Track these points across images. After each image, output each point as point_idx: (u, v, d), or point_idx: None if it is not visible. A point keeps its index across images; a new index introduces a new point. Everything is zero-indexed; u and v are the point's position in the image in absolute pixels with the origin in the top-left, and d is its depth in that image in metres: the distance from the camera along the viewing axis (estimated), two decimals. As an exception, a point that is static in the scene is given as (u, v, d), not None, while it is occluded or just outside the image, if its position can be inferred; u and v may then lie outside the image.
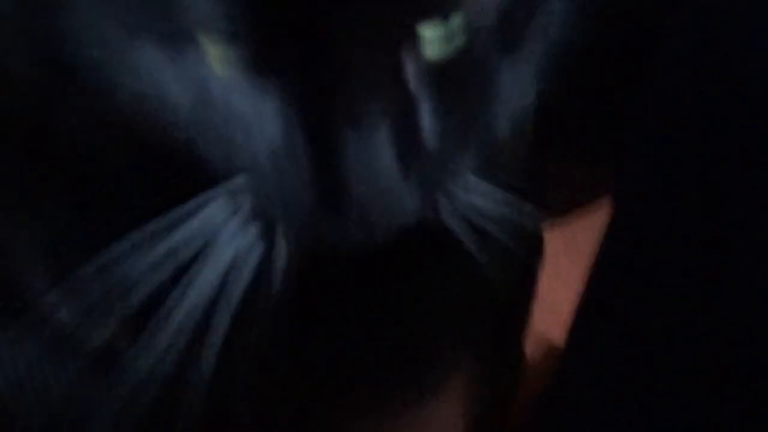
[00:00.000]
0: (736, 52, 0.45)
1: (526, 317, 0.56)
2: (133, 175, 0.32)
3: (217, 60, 0.27)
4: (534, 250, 0.54)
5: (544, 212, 0.56)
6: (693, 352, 0.48)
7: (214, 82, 0.27)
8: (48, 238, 0.37)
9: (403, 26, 0.28)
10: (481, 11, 0.29)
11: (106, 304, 0.32)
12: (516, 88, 0.33)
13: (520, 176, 0.39)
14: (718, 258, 0.46)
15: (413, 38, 0.28)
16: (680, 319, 0.49)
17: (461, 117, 0.30)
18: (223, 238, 0.29)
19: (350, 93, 0.26)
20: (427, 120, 0.29)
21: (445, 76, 0.29)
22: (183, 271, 0.30)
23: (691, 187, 0.48)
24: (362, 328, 0.42)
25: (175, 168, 0.29)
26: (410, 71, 0.28)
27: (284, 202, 0.29)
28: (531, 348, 0.69)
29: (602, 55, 0.55)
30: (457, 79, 0.29)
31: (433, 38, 0.28)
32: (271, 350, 0.38)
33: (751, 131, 0.43)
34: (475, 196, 0.34)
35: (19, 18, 0.28)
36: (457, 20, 0.29)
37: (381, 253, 0.31)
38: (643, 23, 0.57)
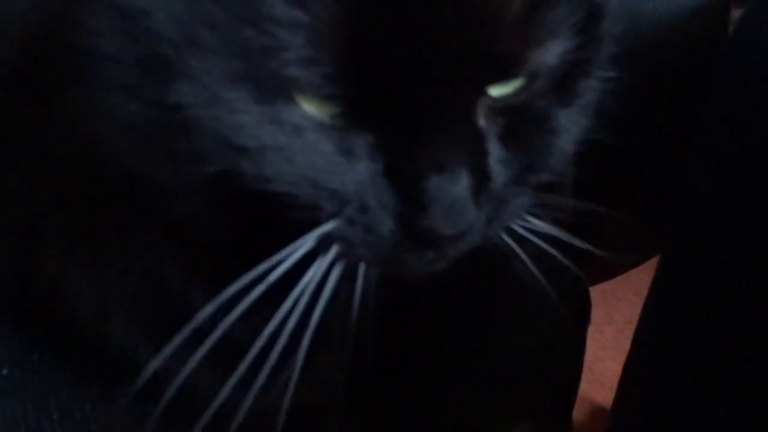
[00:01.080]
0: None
1: (576, 387, 0.57)
2: (226, 222, 0.36)
3: (309, 111, 0.30)
4: (582, 312, 0.56)
5: (589, 276, 0.59)
6: (739, 412, 0.49)
7: (307, 131, 0.30)
8: (139, 291, 0.41)
9: (474, 87, 0.32)
10: (540, 73, 0.33)
11: (192, 347, 0.35)
12: (570, 136, 0.37)
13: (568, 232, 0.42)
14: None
15: (484, 94, 0.32)
16: (720, 384, 0.50)
17: (523, 161, 0.34)
18: (310, 278, 0.33)
19: (432, 141, 0.30)
20: (495, 162, 0.33)
21: (509, 125, 0.33)
22: (271, 309, 0.33)
23: (741, 253, 0.48)
24: (431, 387, 0.46)
25: (266, 214, 0.33)
26: (481, 122, 0.32)
27: (370, 243, 0.32)
28: (575, 409, 0.70)
29: (651, 109, 0.58)
30: (519, 127, 0.33)
31: (499, 94, 0.33)
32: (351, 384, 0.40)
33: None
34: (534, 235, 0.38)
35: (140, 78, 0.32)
36: (519, 81, 0.33)
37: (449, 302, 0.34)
38: (690, 83, 0.59)
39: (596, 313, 0.66)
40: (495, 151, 0.33)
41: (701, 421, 0.52)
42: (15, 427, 0.41)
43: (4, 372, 0.43)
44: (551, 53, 0.33)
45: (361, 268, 0.33)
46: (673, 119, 0.60)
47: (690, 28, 0.59)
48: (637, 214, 0.64)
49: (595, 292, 0.70)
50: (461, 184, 0.31)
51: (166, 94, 0.30)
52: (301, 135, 0.31)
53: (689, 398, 0.53)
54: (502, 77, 0.32)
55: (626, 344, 0.63)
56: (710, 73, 0.53)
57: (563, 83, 0.35)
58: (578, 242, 0.39)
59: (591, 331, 0.65)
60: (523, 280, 0.45)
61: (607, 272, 0.75)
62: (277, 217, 0.32)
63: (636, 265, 0.72)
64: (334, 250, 0.33)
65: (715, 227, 0.51)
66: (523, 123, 0.34)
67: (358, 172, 0.32)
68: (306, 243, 0.32)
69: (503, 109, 0.34)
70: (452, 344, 0.45)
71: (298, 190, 0.31)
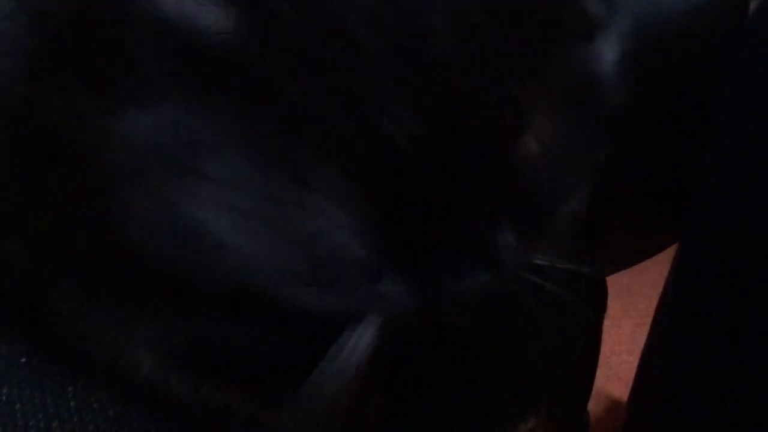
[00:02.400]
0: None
1: (591, 381, 0.57)
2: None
3: None
4: (598, 302, 0.56)
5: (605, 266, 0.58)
6: (760, 411, 0.49)
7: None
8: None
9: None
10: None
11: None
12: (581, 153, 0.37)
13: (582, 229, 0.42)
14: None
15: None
16: (736, 378, 0.50)
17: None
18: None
19: (456, 257, 0.31)
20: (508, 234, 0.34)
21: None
22: None
23: (760, 245, 0.48)
24: (444, 377, 0.46)
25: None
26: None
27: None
28: (592, 404, 0.70)
29: (662, 116, 0.58)
30: None
31: None
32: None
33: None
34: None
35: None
36: None
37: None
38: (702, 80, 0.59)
39: (613, 308, 0.66)
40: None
41: (717, 414, 0.51)
42: (33, 415, 0.42)
43: (22, 360, 0.44)
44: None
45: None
46: (691, 109, 0.59)
47: (707, 19, 0.59)
48: (654, 205, 0.64)
49: (612, 286, 0.70)
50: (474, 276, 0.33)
51: None
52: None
53: (705, 392, 0.53)
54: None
55: (643, 338, 0.63)
56: (728, 65, 0.53)
57: None
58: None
59: (608, 325, 0.64)
60: (539, 271, 0.45)
61: (623, 261, 0.75)
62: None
63: (653, 254, 0.72)
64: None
65: (733, 219, 0.50)
66: None
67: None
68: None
69: None
70: (467, 334, 0.45)
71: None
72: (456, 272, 0.32)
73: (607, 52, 0.36)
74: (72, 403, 0.43)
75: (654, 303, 0.61)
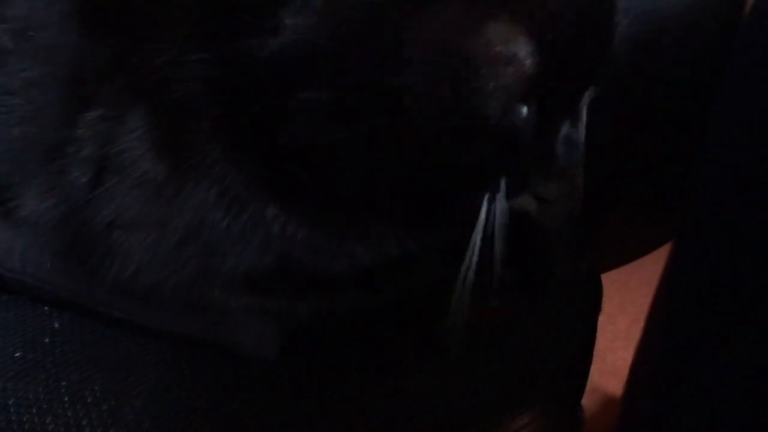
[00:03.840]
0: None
1: (585, 377, 0.57)
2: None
3: None
4: (593, 298, 0.56)
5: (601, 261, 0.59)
6: (753, 405, 0.49)
7: None
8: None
9: None
10: None
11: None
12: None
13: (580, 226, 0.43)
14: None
15: None
16: (730, 375, 0.50)
17: None
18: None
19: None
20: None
21: None
22: None
23: (754, 241, 0.48)
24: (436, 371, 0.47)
25: None
26: None
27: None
28: (588, 400, 0.70)
29: (658, 110, 0.58)
30: None
31: None
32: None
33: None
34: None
35: None
36: None
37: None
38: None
39: (609, 304, 0.65)
40: None
41: (711, 410, 0.52)
42: (27, 410, 0.42)
43: (17, 355, 0.44)
44: None
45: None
46: (688, 106, 0.60)
47: (702, 17, 0.60)
48: (649, 202, 0.64)
49: (608, 282, 0.70)
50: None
51: None
52: None
53: (699, 389, 0.53)
54: None
55: (639, 335, 0.63)
56: (723, 63, 0.53)
57: None
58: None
59: (603, 321, 0.64)
60: (534, 267, 0.45)
61: (619, 258, 0.75)
62: None
63: (648, 251, 0.72)
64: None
65: (728, 216, 0.50)
66: None
67: None
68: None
69: None
70: (454, 327, 0.46)
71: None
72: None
73: None
74: (66, 398, 0.43)
75: (650, 300, 0.61)
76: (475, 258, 0.39)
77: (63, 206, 0.39)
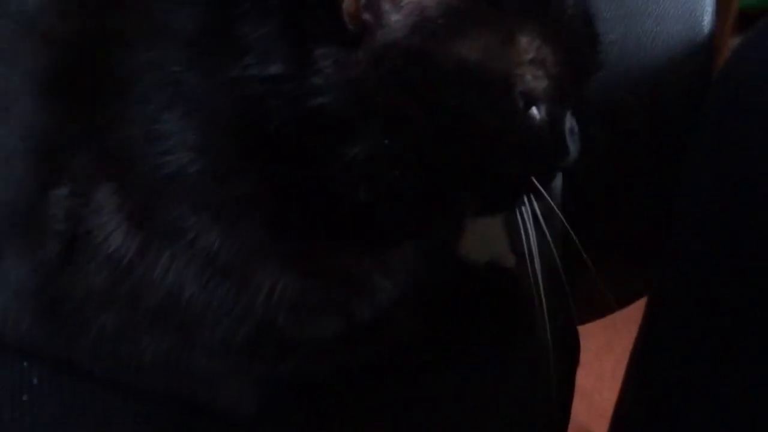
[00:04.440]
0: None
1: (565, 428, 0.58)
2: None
3: None
4: (571, 354, 0.57)
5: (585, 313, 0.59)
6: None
7: None
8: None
9: None
10: None
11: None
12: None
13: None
14: (760, 365, 0.47)
15: None
16: (715, 415, 0.50)
17: None
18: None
19: None
20: None
21: None
22: None
23: (733, 287, 0.49)
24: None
25: None
26: None
27: None
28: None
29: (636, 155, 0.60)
30: None
31: None
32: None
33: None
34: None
35: None
36: None
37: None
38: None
39: (596, 344, 0.66)
40: None
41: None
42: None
43: None
44: None
45: None
46: (660, 162, 0.60)
47: (672, 75, 0.61)
48: (627, 253, 0.64)
49: (595, 322, 0.70)
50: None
51: None
52: None
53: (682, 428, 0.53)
54: None
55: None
56: (692, 124, 0.54)
57: None
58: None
59: (590, 361, 0.64)
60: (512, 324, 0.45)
61: (600, 310, 0.75)
62: None
63: (628, 302, 0.72)
64: None
65: (704, 265, 0.51)
66: None
67: None
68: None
69: None
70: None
71: None
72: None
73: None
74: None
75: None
76: (538, 264, 0.41)
77: (41, 274, 0.39)
